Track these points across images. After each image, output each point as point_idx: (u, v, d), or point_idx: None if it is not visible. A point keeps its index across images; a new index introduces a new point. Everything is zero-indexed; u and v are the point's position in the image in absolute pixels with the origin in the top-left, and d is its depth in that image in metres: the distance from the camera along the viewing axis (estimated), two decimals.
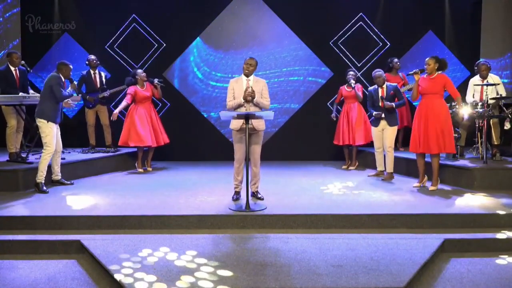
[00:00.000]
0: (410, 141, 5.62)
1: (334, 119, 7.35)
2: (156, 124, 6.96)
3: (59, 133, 5.65)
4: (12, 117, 6.11)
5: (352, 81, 6.95)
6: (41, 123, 5.40)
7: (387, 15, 8.11)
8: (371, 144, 6.79)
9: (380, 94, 6.22)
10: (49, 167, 5.67)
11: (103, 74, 7.32)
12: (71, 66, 5.65)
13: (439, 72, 5.45)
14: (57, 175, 5.73)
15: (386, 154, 6.22)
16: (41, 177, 5.40)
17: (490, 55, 7.57)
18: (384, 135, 6.20)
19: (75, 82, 5.73)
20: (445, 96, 5.67)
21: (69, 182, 5.79)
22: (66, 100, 5.63)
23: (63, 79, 5.55)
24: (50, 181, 5.71)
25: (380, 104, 6.17)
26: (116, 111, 6.76)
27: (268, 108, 5.11)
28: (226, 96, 5.15)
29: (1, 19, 8.07)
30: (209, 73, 8.21)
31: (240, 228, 4.44)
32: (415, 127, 5.53)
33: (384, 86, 6.23)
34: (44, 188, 5.40)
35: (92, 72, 7.20)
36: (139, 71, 6.93)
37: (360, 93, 7.00)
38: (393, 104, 6.11)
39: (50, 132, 5.40)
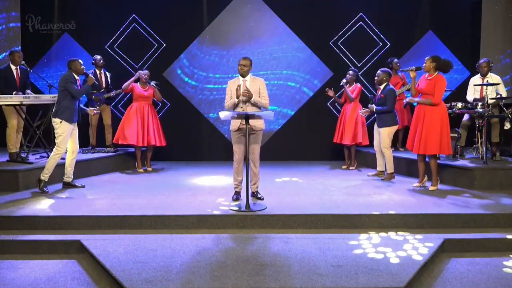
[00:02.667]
0: (408, 139, 5.64)
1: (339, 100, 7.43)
2: (149, 125, 6.90)
3: (77, 134, 5.62)
4: (12, 117, 6.11)
5: (343, 80, 7.01)
6: (55, 123, 5.39)
7: (387, 15, 8.10)
8: (370, 144, 6.80)
9: (376, 94, 6.27)
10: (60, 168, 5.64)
11: (108, 74, 7.32)
12: (80, 61, 5.59)
13: (439, 72, 5.42)
14: (69, 176, 5.67)
15: (384, 155, 6.21)
16: (46, 175, 5.38)
17: (490, 55, 7.57)
18: (380, 136, 6.20)
19: (91, 75, 5.69)
20: (445, 96, 5.66)
21: (80, 185, 5.74)
22: (91, 109, 5.77)
23: (76, 77, 5.53)
24: (62, 184, 5.69)
25: (368, 106, 6.30)
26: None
27: (267, 107, 5.11)
28: (225, 97, 5.16)
29: (4, 26, 8.10)
30: (206, 77, 8.20)
31: (240, 228, 4.44)
32: (412, 126, 5.55)
33: (382, 86, 6.21)
34: (45, 188, 5.38)
35: (98, 72, 7.21)
36: (145, 71, 6.97)
37: (350, 94, 6.99)
38: (374, 107, 6.15)
39: (64, 133, 5.37)
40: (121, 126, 6.89)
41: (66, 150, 5.57)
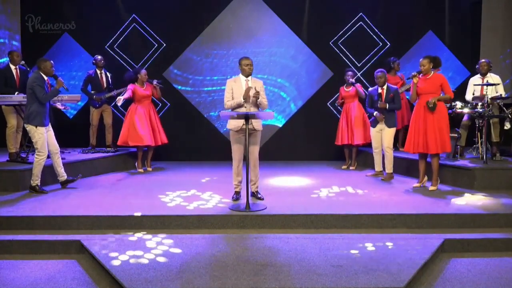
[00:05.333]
0: (406, 141, 5.64)
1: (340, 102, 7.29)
2: (155, 123, 6.96)
3: (53, 134, 5.51)
4: (12, 117, 6.11)
5: (352, 80, 6.99)
6: (30, 128, 5.26)
7: (387, 15, 8.10)
8: (370, 144, 6.79)
9: (380, 94, 6.24)
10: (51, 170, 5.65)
11: (109, 74, 7.32)
12: (50, 62, 5.38)
13: (435, 71, 5.45)
14: (63, 175, 5.62)
15: (385, 154, 6.22)
16: (36, 180, 5.36)
17: (490, 55, 7.56)
18: (383, 136, 6.21)
19: (60, 79, 5.42)
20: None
21: (76, 178, 5.72)
22: (57, 103, 5.41)
23: (45, 78, 5.33)
24: (60, 185, 5.67)
25: (378, 104, 6.18)
26: (121, 98, 6.70)
27: (267, 108, 5.12)
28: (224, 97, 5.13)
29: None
30: (202, 81, 8.19)
31: (240, 228, 4.45)
32: (412, 127, 5.54)
33: (385, 87, 6.22)
34: (42, 188, 5.39)
35: (98, 72, 7.20)
36: (143, 71, 6.93)
37: (361, 90, 7.01)
38: (387, 104, 6.13)
39: (41, 138, 5.27)
40: (128, 127, 6.80)
41: (48, 154, 5.48)
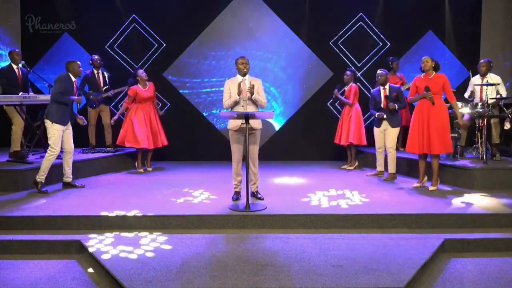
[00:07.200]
0: (408, 141, 5.62)
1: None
2: (155, 125, 6.93)
3: (71, 134, 5.57)
4: (17, 115, 6.09)
5: (335, 91, 7.09)
6: (47, 123, 5.35)
7: (387, 15, 8.11)
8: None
9: (382, 95, 6.22)
10: (59, 168, 5.65)
11: (106, 74, 7.31)
12: (78, 62, 5.56)
13: (435, 72, 5.45)
14: (68, 176, 5.64)
15: (388, 154, 6.21)
16: (42, 176, 5.37)
17: (490, 55, 7.56)
18: (386, 136, 6.20)
19: (80, 98, 5.61)
20: (445, 96, 5.66)
21: (80, 185, 5.73)
22: (80, 118, 5.65)
23: (72, 78, 5.49)
24: (62, 184, 5.68)
25: (382, 104, 6.17)
26: (117, 115, 7.00)
27: (265, 106, 5.09)
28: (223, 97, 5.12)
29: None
30: (200, 83, 8.19)
31: (240, 228, 4.44)
32: (415, 127, 5.51)
33: (387, 86, 6.21)
34: (44, 188, 5.39)
35: (95, 72, 7.20)
36: (140, 71, 6.87)
37: (347, 100, 6.99)
38: (396, 105, 6.11)
39: (55, 134, 5.33)
40: (127, 128, 6.78)
41: (61, 151, 5.54)
